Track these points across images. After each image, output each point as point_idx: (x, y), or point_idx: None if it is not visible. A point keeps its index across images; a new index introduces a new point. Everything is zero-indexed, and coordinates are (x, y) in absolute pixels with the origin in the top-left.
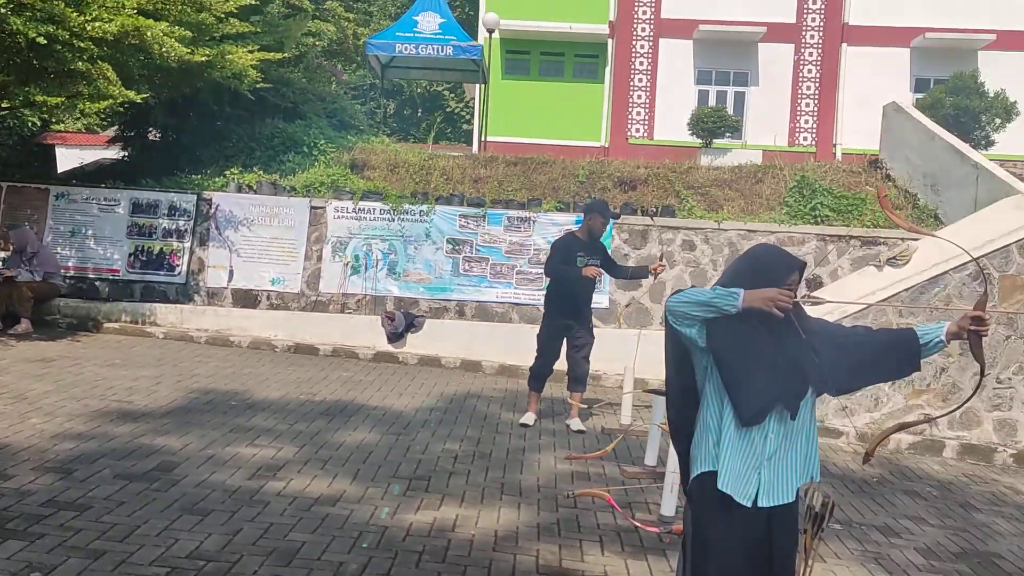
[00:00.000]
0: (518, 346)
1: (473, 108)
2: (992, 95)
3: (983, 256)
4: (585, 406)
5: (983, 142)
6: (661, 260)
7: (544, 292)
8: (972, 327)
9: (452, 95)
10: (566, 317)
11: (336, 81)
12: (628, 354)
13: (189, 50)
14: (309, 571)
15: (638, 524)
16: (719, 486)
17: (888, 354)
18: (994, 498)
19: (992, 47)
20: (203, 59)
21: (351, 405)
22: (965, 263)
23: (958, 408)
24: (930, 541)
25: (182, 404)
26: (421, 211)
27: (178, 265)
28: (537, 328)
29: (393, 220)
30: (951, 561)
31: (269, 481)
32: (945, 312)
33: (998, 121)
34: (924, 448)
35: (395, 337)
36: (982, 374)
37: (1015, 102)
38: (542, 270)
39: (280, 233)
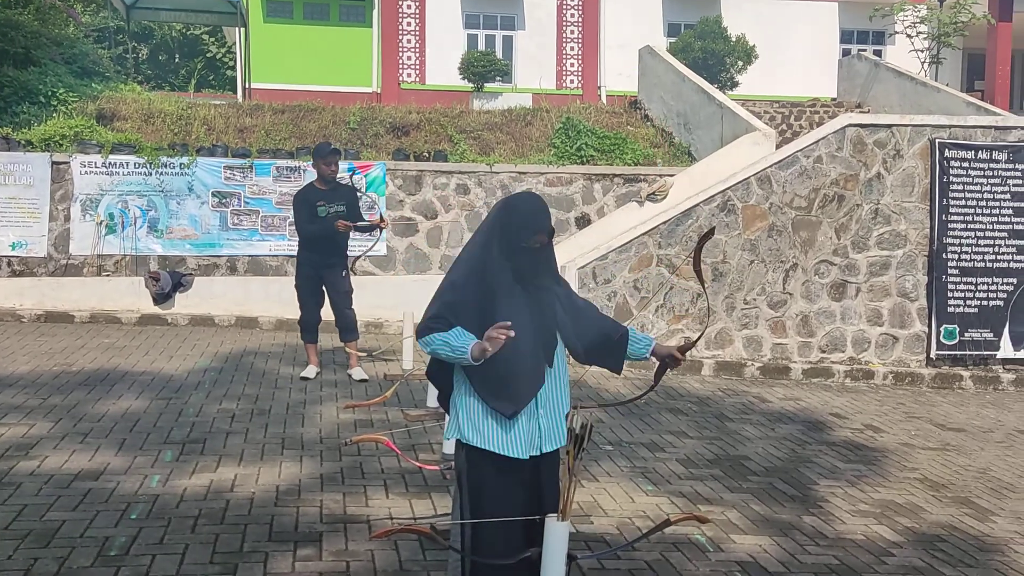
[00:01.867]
0: (295, 299)
1: (236, 53)
2: (734, 39)
3: (728, 188)
4: (364, 354)
5: (729, 83)
6: (383, 219)
7: None
8: (674, 358)
9: (213, 39)
10: (318, 266)
11: (74, 23)
12: (407, 300)
13: None
14: (71, 550)
15: (420, 464)
16: (499, 451)
17: (604, 345)
18: (744, 408)
19: None
20: None
21: (114, 373)
22: (713, 196)
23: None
24: (690, 452)
25: None
26: (181, 164)
27: None
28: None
29: (151, 174)
30: (707, 467)
31: (20, 461)
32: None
33: (740, 63)
34: (685, 368)
35: (162, 298)
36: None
37: (754, 46)
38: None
39: (18, 192)
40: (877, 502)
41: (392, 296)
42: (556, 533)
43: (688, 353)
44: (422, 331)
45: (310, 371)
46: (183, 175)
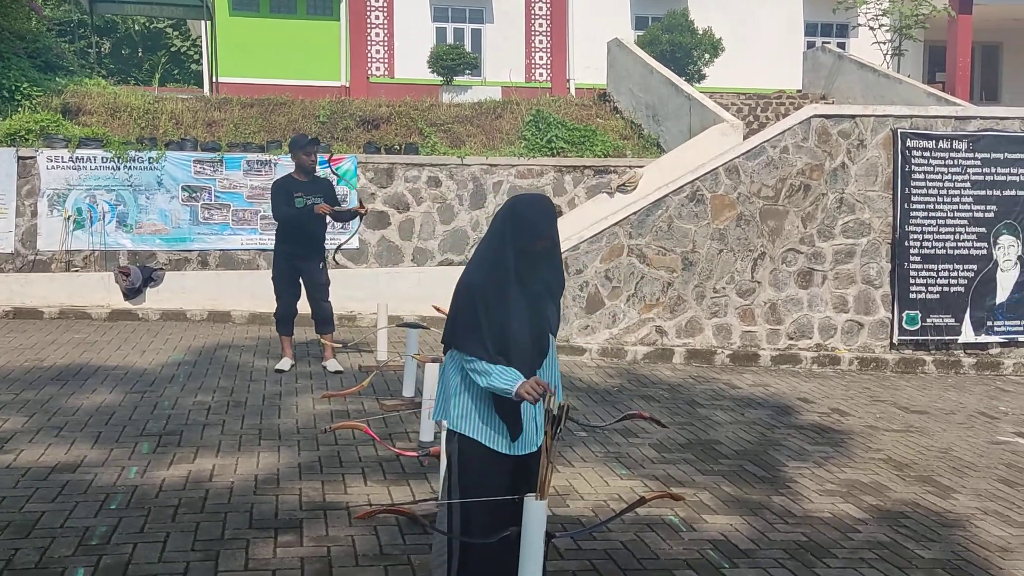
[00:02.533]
0: (268, 293)
1: (201, 47)
2: (701, 32)
3: (696, 179)
4: (340, 345)
5: (696, 76)
6: (362, 205)
7: None
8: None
9: (176, 33)
10: (295, 257)
11: (36, 17)
12: (380, 292)
13: None
14: (52, 540)
15: (397, 451)
16: (491, 446)
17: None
18: (715, 394)
19: None
20: None
21: (86, 367)
22: (682, 187)
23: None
24: (662, 437)
25: None
26: (150, 158)
27: None
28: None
29: (119, 169)
30: (679, 451)
31: None
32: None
33: (707, 56)
34: (657, 356)
35: (132, 293)
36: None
37: (721, 39)
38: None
39: None
40: (843, 482)
41: (365, 289)
42: (534, 512)
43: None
44: (470, 353)
45: (284, 363)
46: (152, 169)
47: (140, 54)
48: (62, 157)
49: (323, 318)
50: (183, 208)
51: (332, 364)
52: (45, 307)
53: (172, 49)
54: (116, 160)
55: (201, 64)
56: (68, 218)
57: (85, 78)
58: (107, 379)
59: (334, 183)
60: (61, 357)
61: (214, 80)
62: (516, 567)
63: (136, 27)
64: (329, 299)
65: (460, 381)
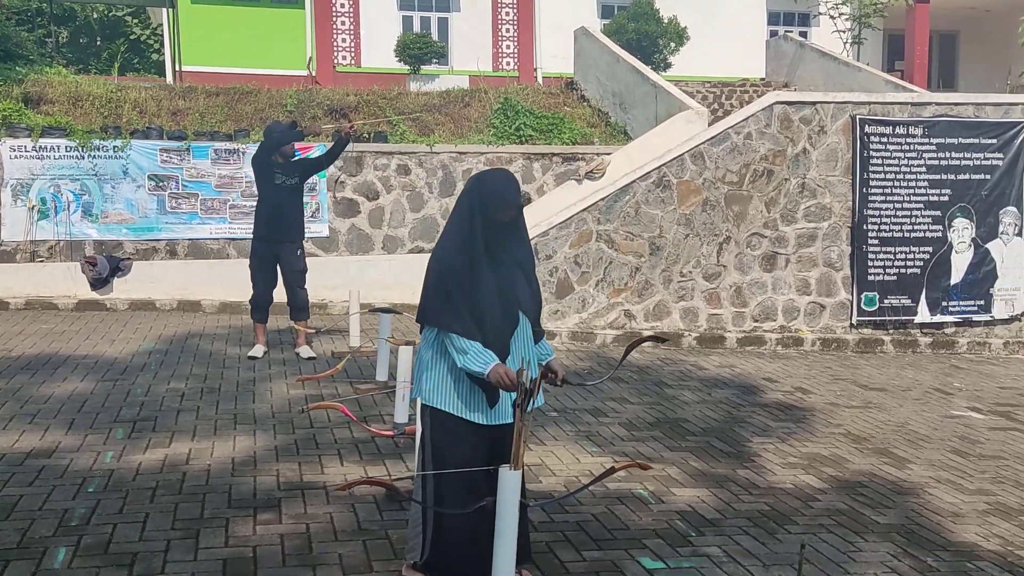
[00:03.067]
0: (238, 281)
1: (162, 36)
2: (667, 21)
3: (663, 164)
4: (313, 331)
5: (662, 64)
6: (350, 123)
7: None
8: (556, 375)
9: (136, 21)
10: (272, 244)
11: None
12: (352, 280)
13: None
14: (32, 522)
15: (373, 430)
16: (463, 416)
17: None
18: (682, 375)
19: None
20: None
21: (55, 357)
22: (649, 172)
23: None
24: (631, 416)
25: None
26: (115, 147)
27: None
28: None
29: (83, 158)
30: (648, 430)
31: None
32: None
33: (672, 45)
34: (626, 340)
35: (99, 283)
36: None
37: (686, 27)
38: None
39: None
40: (805, 455)
41: (335, 277)
42: (509, 481)
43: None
44: (445, 326)
45: (257, 350)
46: (117, 158)
47: (99, 43)
48: (25, 146)
49: (298, 305)
50: (150, 197)
51: (305, 351)
52: (10, 298)
53: (132, 37)
54: (80, 149)
55: (163, 53)
56: (32, 208)
57: (45, 67)
58: (77, 368)
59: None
60: (30, 347)
61: (177, 69)
62: (490, 536)
63: (95, 15)
64: (305, 286)
65: (432, 356)
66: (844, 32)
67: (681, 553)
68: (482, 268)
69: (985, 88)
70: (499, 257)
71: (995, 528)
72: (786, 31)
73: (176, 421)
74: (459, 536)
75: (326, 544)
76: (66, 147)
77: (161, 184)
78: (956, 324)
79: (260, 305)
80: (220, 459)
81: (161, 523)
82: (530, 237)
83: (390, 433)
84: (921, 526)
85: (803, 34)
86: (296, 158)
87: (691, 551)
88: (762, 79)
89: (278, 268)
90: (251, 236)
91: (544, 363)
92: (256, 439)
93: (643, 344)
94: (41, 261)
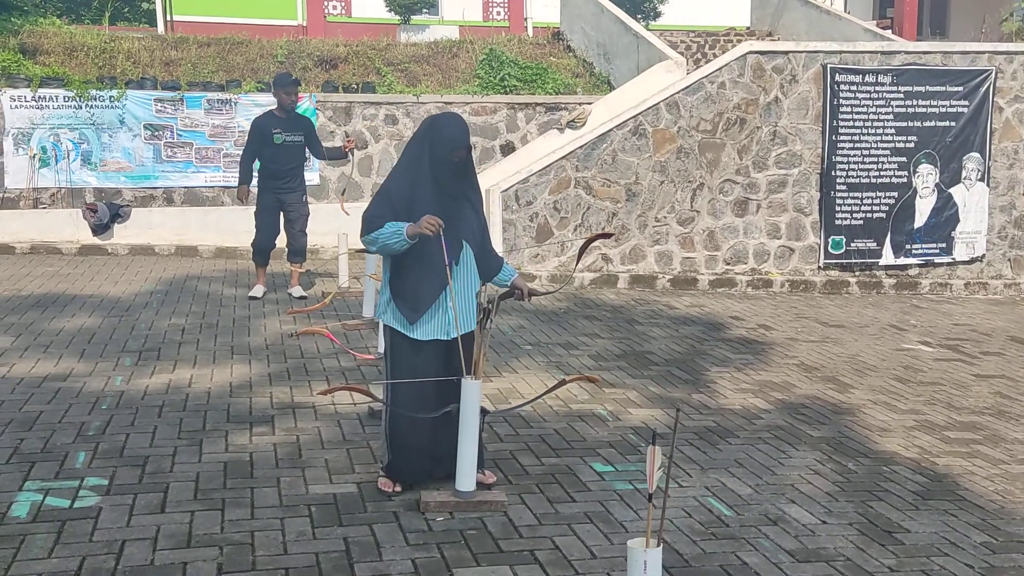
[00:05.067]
0: (233, 228)
1: None
2: None
3: (639, 114)
4: (303, 270)
5: (652, 13)
6: (349, 138)
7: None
8: (522, 292)
9: None
10: (277, 192)
11: None
12: (342, 227)
13: None
14: (53, 432)
15: (356, 355)
16: (412, 336)
17: (486, 264)
18: (653, 314)
19: None
20: None
21: (63, 296)
22: (625, 121)
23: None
24: (600, 349)
25: None
26: (111, 97)
27: None
28: (248, 209)
29: (81, 108)
30: (614, 360)
31: None
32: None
33: None
34: (602, 282)
35: (100, 229)
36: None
37: None
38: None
39: None
40: (757, 382)
41: (326, 224)
42: (470, 389)
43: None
44: (365, 230)
45: (257, 291)
46: (113, 108)
47: None
48: (25, 96)
49: (297, 248)
50: (146, 146)
51: (297, 290)
52: (16, 243)
53: None
54: (78, 99)
55: (153, 2)
56: (34, 156)
57: (40, 17)
58: (84, 305)
59: (314, 122)
60: (38, 287)
61: (168, 19)
62: (442, 443)
63: None
64: (306, 231)
65: (384, 279)
66: None
67: (629, 460)
68: (428, 193)
69: (979, 36)
70: (448, 191)
71: (917, 440)
72: None
73: (178, 352)
74: (413, 441)
75: (314, 451)
76: (64, 97)
77: (156, 133)
78: (919, 266)
79: (263, 250)
80: (219, 383)
81: (168, 433)
82: (512, 184)
83: (372, 357)
84: (849, 439)
85: None
86: (301, 115)
87: (638, 458)
88: (747, 28)
89: (281, 215)
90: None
91: (508, 283)
92: (251, 367)
93: (618, 288)
94: (44, 208)
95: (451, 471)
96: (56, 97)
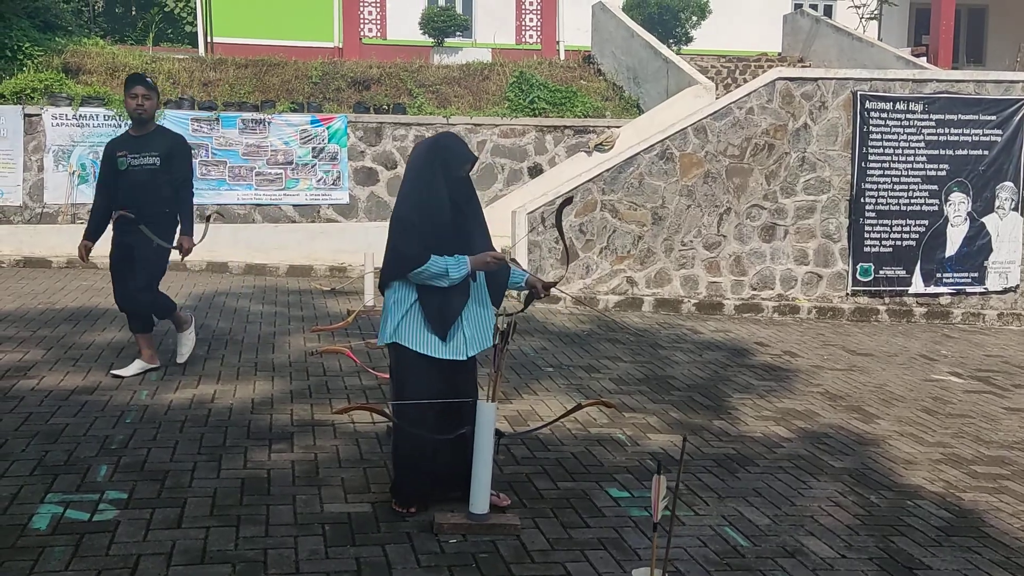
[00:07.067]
0: (264, 245)
1: (195, 8)
2: None
3: (666, 138)
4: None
5: (683, 38)
6: (183, 245)
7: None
8: (541, 289)
9: None
10: (123, 235)
11: None
12: (370, 244)
13: None
14: (77, 445)
15: (377, 374)
16: (429, 353)
17: (493, 277)
18: (677, 338)
19: None
20: None
21: (95, 310)
22: (652, 145)
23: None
24: (622, 373)
25: None
26: None
27: None
28: (278, 227)
29: (120, 127)
30: (636, 385)
31: (20, 380)
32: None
33: (694, 19)
34: (627, 305)
35: None
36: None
37: (707, 1)
38: (281, 171)
39: None
40: (779, 410)
41: (354, 242)
42: (485, 412)
43: (552, 288)
44: (408, 268)
45: (132, 368)
46: None
47: (133, 12)
48: (66, 115)
49: (131, 310)
50: None
51: (132, 367)
52: (53, 257)
53: (166, 9)
54: (117, 118)
55: (195, 24)
56: (73, 173)
57: (83, 38)
58: (115, 320)
59: (190, 147)
60: (72, 301)
61: (209, 40)
62: (446, 460)
63: None
64: (154, 287)
65: (394, 303)
66: (860, 7)
67: (645, 485)
68: (445, 214)
69: (1013, 64)
70: (462, 208)
71: (943, 474)
72: (810, 5)
73: (203, 367)
74: (415, 462)
75: (331, 469)
76: (104, 116)
77: (192, 152)
78: (951, 295)
79: (124, 311)
80: (241, 399)
81: (189, 449)
82: (538, 206)
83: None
84: (873, 470)
85: (828, 8)
86: (168, 132)
87: None
88: (779, 54)
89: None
90: (280, 203)
91: (523, 283)
92: (274, 384)
93: (643, 311)
94: (81, 223)
95: (456, 492)
96: (96, 116)
